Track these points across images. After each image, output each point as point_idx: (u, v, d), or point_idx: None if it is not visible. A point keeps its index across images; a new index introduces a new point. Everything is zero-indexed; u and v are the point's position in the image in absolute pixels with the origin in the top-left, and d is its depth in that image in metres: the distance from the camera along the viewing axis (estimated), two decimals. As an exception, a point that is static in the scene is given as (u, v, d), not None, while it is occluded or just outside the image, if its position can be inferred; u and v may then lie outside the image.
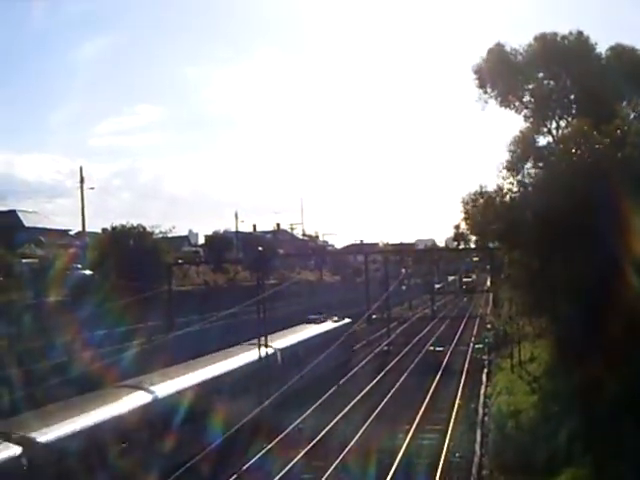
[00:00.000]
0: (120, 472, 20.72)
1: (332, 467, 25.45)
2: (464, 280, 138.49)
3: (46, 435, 18.90)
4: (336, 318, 51.98)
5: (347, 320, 51.80)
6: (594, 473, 19.53)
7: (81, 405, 22.50)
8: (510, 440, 25.69)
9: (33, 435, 18.66)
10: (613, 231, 21.87)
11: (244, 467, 25.28)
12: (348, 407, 34.77)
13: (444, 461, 26.01)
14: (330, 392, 36.97)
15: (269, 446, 27.63)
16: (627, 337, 20.62)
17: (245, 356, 33.49)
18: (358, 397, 37.34)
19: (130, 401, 23.57)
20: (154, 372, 28.61)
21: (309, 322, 48.85)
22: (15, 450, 17.61)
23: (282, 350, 37.35)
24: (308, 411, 32.43)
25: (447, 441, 28.64)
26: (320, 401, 33.85)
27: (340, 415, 33.07)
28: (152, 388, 25.24)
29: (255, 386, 30.91)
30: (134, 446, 21.93)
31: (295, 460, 26.24)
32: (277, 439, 28.38)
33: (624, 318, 20.86)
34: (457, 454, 27.37)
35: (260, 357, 32.92)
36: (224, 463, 24.79)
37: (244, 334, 37.57)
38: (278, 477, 24.36)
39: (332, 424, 31.42)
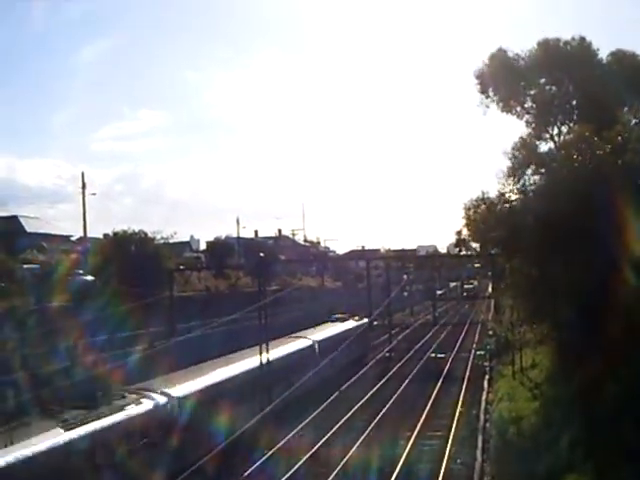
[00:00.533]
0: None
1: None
2: (465, 287, 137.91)
3: (181, 390, 26.71)
4: (357, 317, 58.25)
5: (366, 320, 57.74)
6: (596, 479, 19.51)
7: (199, 371, 30.73)
8: (511, 446, 25.68)
9: (170, 391, 26.17)
10: (614, 236, 21.90)
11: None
12: (351, 412, 35.17)
13: (445, 467, 26.02)
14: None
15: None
16: (627, 341, 20.63)
17: (294, 344, 42.31)
18: (361, 402, 37.60)
19: (238, 367, 32.50)
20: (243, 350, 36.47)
21: (334, 321, 55.90)
22: (162, 399, 25.28)
23: (319, 342, 44.55)
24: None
25: (448, 447, 28.64)
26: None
27: (343, 419, 33.47)
28: (247, 360, 33.95)
29: (304, 364, 37.51)
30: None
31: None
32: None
33: (625, 322, 20.89)
34: (458, 460, 27.38)
35: (305, 346, 42.51)
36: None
37: (247, 339, 37.85)
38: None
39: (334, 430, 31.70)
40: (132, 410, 23.33)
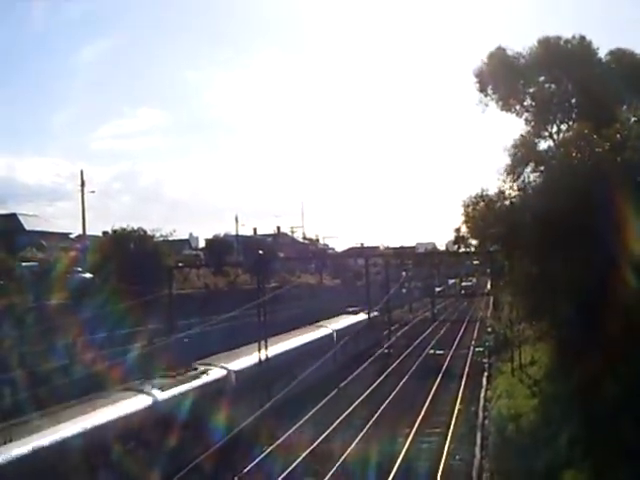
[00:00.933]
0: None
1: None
2: (463, 284, 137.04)
3: (235, 366, 32.61)
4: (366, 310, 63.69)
5: (376, 313, 63.21)
6: (594, 477, 19.54)
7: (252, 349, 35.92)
8: (510, 444, 25.71)
9: (228, 365, 32.17)
10: (613, 234, 21.89)
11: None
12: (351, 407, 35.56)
13: (444, 464, 26.08)
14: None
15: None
16: (627, 339, 20.65)
17: (317, 332, 49.20)
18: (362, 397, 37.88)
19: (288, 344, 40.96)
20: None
21: (348, 313, 61.33)
22: (223, 372, 31.31)
23: (337, 331, 50.84)
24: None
25: (447, 444, 28.70)
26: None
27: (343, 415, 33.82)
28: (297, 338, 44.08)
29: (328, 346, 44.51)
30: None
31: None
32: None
33: (624, 320, 20.91)
34: (457, 457, 27.43)
35: (324, 335, 48.89)
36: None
37: (248, 335, 38.45)
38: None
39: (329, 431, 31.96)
40: (205, 378, 29.71)
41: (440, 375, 45.14)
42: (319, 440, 29.81)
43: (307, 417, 33.06)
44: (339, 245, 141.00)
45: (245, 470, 26.01)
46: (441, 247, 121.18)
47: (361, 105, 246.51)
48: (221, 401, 29.15)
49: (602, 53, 36.88)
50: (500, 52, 37.11)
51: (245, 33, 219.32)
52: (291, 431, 30.76)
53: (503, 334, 45.85)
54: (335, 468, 25.93)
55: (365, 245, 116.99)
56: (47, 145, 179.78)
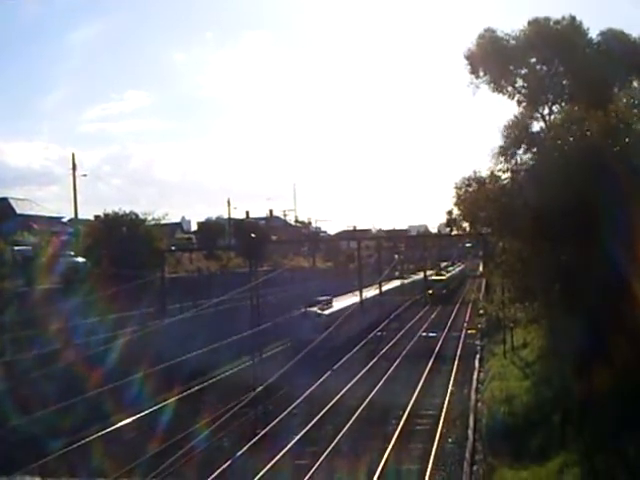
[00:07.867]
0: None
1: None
2: (432, 278, 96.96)
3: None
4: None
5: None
6: (585, 459, 19.62)
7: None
8: (503, 425, 25.77)
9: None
10: (602, 217, 21.83)
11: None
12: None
13: (437, 446, 26.17)
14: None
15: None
16: (617, 321, 20.69)
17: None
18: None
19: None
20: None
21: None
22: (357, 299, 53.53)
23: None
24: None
25: (440, 426, 28.80)
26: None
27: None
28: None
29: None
30: None
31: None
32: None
33: (614, 302, 20.93)
34: (450, 439, 27.52)
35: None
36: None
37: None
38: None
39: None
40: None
41: (433, 357, 45.26)
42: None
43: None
44: (331, 228, 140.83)
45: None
46: (433, 229, 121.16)
47: (352, 87, 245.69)
48: None
49: (593, 34, 36.78)
50: (489, 34, 36.90)
51: (233, 13, 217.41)
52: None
53: (495, 316, 45.95)
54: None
55: (357, 228, 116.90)
56: (35, 129, 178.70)
